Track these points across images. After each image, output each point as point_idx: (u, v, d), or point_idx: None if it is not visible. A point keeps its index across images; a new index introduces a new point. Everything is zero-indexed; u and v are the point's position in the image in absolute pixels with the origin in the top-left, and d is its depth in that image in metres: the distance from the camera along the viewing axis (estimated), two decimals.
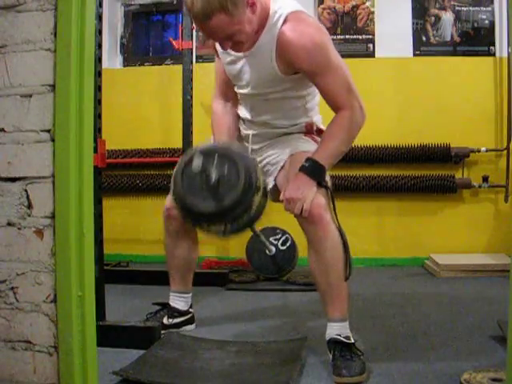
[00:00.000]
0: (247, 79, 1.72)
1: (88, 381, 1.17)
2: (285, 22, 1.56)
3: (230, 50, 1.64)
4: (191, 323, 2.05)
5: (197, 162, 1.49)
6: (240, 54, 1.67)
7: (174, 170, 1.59)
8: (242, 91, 1.79)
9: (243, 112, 1.86)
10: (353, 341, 1.60)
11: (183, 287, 2.02)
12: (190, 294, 2.05)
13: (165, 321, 1.98)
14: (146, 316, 2.07)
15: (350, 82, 1.61)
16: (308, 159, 1.58)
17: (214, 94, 1.90)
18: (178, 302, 2.01)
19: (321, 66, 1.57)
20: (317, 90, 1.72)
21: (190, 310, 2.05)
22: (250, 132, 1.85)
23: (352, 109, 1.59)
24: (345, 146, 1.63)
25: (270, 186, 1.75)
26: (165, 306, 2.04)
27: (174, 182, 1.57)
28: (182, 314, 2.01)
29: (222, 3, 1.43)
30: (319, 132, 1.84)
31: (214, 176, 1.48)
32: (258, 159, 1.82)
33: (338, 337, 1.60)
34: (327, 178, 1.64)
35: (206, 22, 1.46)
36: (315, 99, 1.83)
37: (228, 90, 1.86)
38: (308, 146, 1.76)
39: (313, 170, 1.56)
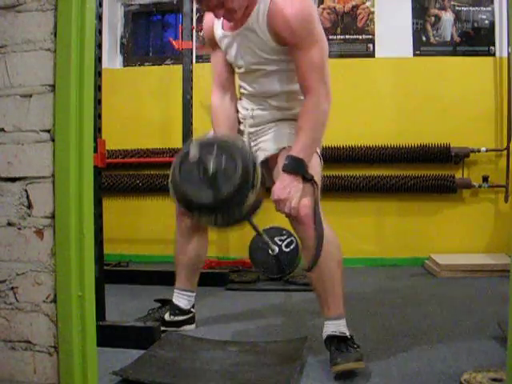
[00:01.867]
0: (245, 54, 1.75)
1: (88, 381, 1.17)
2: None
3: (226, 31, 1.73)
4: (191, 323, 2.05)
5: (194, 152, 1.49)
6: (236, 31, 1.71)
7: (173, 160, 1.60)
8: (242, 70, 1.81)
9: (244, 88, 1.87)
10: (348, 335, 1.63)
11: (188, 285, 2.02)
12: (194, 294, 2.05)
13: (166, 317, 1.99)
14: (148, 311, 2.07)
15: (324, 65, 1.63)
16: (287, 157, 1.62)
17: (212, 88, 1.92)
18: (182, 299, 2.02)
19: (302, 38, 1.59)
20: None
21: (192, 309, 2.05)
22: (249, 111, 1.85)
23: (317, 95, 1.62)
24: (317, 133, 1.66)
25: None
26: (166, 302, 2.05)
27: (172, 170, 1.58)
28: (183, 312, 2.02)
29: None
30: None
31: (211, 167, 1.48)
32: (252, 144, 1.85)
33: (333, 333, 1.63)
34: (315, 162, 1.69)
35: None
36: None
37: (225, 82, 1.89)
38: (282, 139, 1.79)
39: (293, 166, 1.60)
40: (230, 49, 1.79)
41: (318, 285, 1.67)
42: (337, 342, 1.61)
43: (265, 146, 1.81)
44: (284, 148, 1.74)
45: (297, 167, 1.60)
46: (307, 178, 1.61)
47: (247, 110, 1.86)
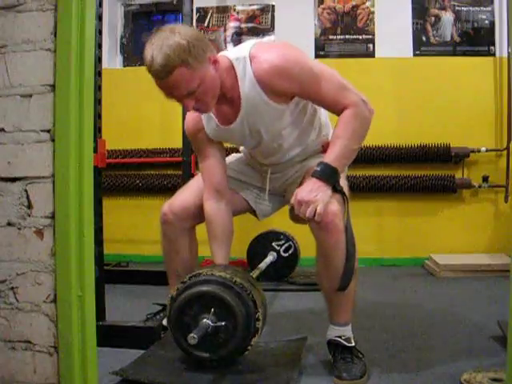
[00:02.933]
0: (256, 134, 1.64)
1: (88, 381, 1.18)
2: (251, 61, 1.50)
3: (224, 126, 1.61)
4: None
5: (193, 337, 1.44)
6: (239, 119, 1.59)
7: (169, 310, 1.57)
8: (256, 149, 1.73)
9: (256, 158, 1.81)
10: (353, 343, 1.59)
11: None
12: None
13: (164, 322, 1.95)
14: (146, 316, 2.06)
15: (343, 82, 1.53)
16: (319, 163, 1.50)
17: (204, 195, 1.73)
18: None
19: (305, 80, 1.49)
20: None
21: None
22: (268, 170, 1.80)
23: (354, 104, 1.51)
24: (355, 144, 1.53)
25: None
26: (165, 307, 2.03)
27: (168, 321, 1.57)
28: None
29: (182, 57, 1.36)
30: None
31: (210, 330, 1.47)
32: (277, 185, 1.82)
33: (339, 339, 1.58)
34: (343, 183, 1.58)
35: (167, 77, 1.39)
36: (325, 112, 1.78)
37: (219, 186, 1.72)
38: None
39: (324, 172, 1.47)
40: (234, 137, 1.68)
41: (331, 294, 1.59)
42: (341, 350, 1.57)
43: (292, 178, 1.77)
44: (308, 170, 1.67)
45: (328, 174, 1.47)
46: (337, 189, 1.50)
47: (262, 167, 1.81)
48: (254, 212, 1.91)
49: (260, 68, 1.47)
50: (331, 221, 1.47)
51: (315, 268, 1.63)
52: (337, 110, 1.53)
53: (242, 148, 1.91)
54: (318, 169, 1.48)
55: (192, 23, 3.02)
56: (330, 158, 1.49)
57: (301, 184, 1.60)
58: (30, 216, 1.18)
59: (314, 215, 1.44)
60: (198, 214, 1.76)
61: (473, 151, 3.41)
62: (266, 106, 1.53)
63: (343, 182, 1.59)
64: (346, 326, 1.61)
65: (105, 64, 3.30)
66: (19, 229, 1.19)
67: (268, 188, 1.84)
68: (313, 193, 1.45)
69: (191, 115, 1.70)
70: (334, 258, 1.52)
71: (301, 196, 1.46)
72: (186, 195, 1.80)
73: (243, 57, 1.50)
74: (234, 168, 1.87)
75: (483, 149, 3.39)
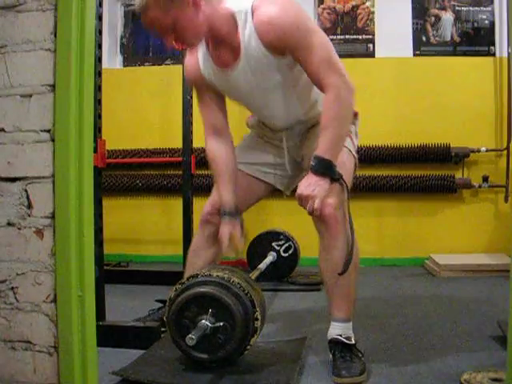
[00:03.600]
0: (253, 83, 1.66)
1: (88, 381, 1.17)
2: (253, 13, 1.55)
3: (222, 68, 1.64)
4: None
5: (191, 338, 1.45)
6: (236, 65, 1.62)
7: (168, 308, 1.57)
8: (251, 100, 1.75)
9: (264, 123, 1.84)
10: (353, 342, 1.61)
11: None
12: None
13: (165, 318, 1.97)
14: (148, 312, 2.07)
15: (331, 55, 1.55)
16: (314, 158, 1.54)
17: (206, 137, 1.81)
18: None
19: (298, 41, 1.51)
20: None
21: None
22: (282, 137, 1.82)
23: (336, 87, 1.53)
24: (342, 129, 1.58)
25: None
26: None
27: (167, 322, 1.57)
28: None
29: None
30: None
31: (208, 331, 1.48)
32: (295, 154, 1.82)
33: (339, 337, 1.61)
34: (348, 167, 1.67)
35: (144, 15, 1.52)
36: None
37: (219, 127, 1.79)
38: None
39: (319, 167, 1.52)
40: (231, 84, 1.69)
41: (333, 286, 1.63)
42: (341, 349, 1.60)
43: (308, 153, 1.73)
44: None
45: (324, 168, 1.52)
46: (335, 178, 1.55)
47: (276, 133, 1.82)
48: (278, 190, 1.95)
49: (259, 19, 1.53)
50: (328, 213, 1.55)
51: (318, 260, 1.66)
52: (318, 84, 1.57)
53: (251, 120, 1.91)
54: (313, 164, 1.53)
55: None
56: (321, 150, 1.53)
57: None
58: (30, 216, 1.18)
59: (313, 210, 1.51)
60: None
61: (473, 151, 3.41)
62: (263, 57, 1.57)
63: (347, 159, 1.67)
64: (347, 323, 1.64)
65: (105, 64, 3.30)
66: (19, 229, 1.19)
67: (287, 157, 1.83)
68: (310, 187, 1.51)
69: (189, 62, 1.76)
70: (333, 249, 1.59)
71: (300, 191, 1.53)
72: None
73: (245, 7, 1.56)
74: (248, 153, 1.88)
75: (483, 149, 3.40)
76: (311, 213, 1.54)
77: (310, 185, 1.52)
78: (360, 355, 1.59)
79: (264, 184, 1.89)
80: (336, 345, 1.61)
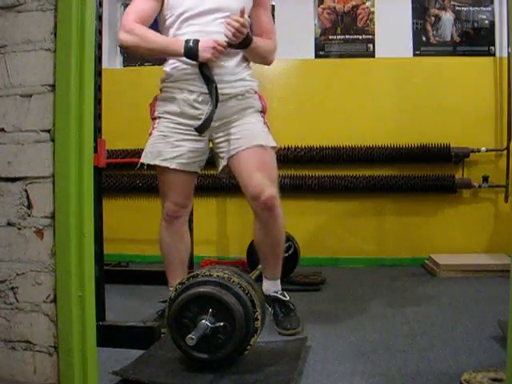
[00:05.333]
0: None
1: (88, 381, 1.18)
2: None
3: None
4: None
5: (191, 338, 1.45)
6: None
7: (168, 307, 1.58)
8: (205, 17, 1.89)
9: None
10: (288, 298, 2.05)
11: None
12: None
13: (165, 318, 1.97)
14: (157, 313, 2.08)
15: None
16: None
17: (131, 18, 1.88)
18: None
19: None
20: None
21: None
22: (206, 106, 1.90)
23: (275, 39, 2.03)
24: (269, 57, 2.03)
25: (222, 165, 1.97)
26: None
27: (168, 323, 1.57)
28: None
29: None
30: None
31: (208, 331, 1.48)
32: (218, 135, 1.95)
33: (276, 294, 2.03)
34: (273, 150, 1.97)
35: None
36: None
37: (146, 18, 1.90)
38: (265, 137, 1.95)
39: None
40: None
41: (270, 254, 2.02)
42: (280, 305, 2.02)
43: (238, 142, 1.92)
44: (261, 145, 1.90)
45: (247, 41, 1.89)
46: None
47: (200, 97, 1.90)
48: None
49: None
50: (271, 204, 1.89)
51: (254, 237, 2.04)
52: (265, 31, 2.01)
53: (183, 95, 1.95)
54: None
55: None
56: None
57: (241, 154, 1.90)
58: (30, 216, 1.18)
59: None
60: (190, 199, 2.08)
61: (473, 151, 3.40)
62: None
63: (270, 139, 1.97)
64: (277, 280, 2.08)
65: (105, 64, 3.30)
66: (19, 229, 1.19)
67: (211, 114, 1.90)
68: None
69: None
70: (272, 230, 1.96)
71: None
72: (176, 192, 2.03)
73: None
74: (168, 149, 1.97)
75: (483, 149, 3.39)
76: (256, 199, 1.88)
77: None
78: (293, 308, 2.04)
79: (193, 173, 2.03)
80: (275, 301, 2.03)
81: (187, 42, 1.82)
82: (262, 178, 1.88)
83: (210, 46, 1.80)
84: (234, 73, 1.93)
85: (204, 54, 1.80)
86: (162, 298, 2.18)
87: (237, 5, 1.84)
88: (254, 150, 1.90)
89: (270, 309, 2.03)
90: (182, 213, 2.04)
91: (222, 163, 1.97)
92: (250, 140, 1.90)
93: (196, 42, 1.81)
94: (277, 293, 2.05)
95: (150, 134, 2.00)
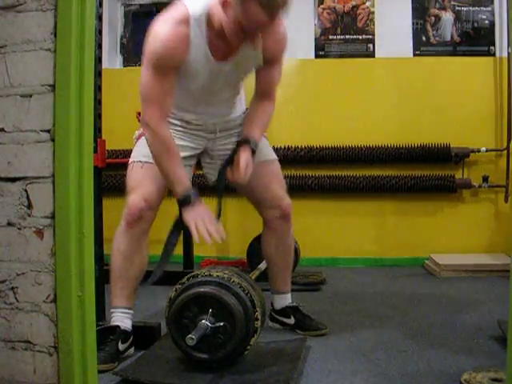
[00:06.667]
0: (232, 78, 1.79)
1: (88, 381, 1.17)
2: None
3: (219, 61, 1.69)
4: (132, 346, 1.78)
5: (191, 338, 1.45)
6: (233, 58, 1.71)
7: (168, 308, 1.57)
8: (208, 94, 1.79)
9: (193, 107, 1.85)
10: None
11: (131, 302, 1.79)
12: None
13: (120, 347, 1.69)
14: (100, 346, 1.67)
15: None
16: (252, 141, 1.77)
17: (156, 118, 1.68)
18: (127, 321, 1.76)
19: (282, 54, 1.79)
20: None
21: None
22: (210, 121, 1.87)
23: (274, 102, 1.87)
24: (266, 128, 1.91)
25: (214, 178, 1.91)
26: (114, 329, 1.71)
27: (167, 321, 1.57)
28: (129, 336, 1.76)
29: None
30: None
31: (208, 331, 1.48)
32: (217, 144, 1.90)
33: (293, 303, 2.04)
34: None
35: (275, 14, 1.55)
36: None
37: (167, 111, 1.74)
38: (267, 151, 1.96)
39: (255, 147, 1.79)
40: (214, 77, 1.72)
41: (283, 267, 2.03)
42: (301, 313, 2.02)
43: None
44: (270, 160, 1.94)
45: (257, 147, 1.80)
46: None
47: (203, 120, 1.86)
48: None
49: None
50: (289, 212, 1.94)
51: (263, 250, 2.03)
52: (266, 93, 1.85)
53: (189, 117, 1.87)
54: (253, 146, 1.77)
55: None
56: (257, 136, 1.81)
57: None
58: (30, 216, 1.18)
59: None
60: (159, 204, 1.80)
61: (473, 151, 3.41)
62: (255, 58, 1.75)
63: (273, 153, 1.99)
64: (289, 293, 2.08)
65: (105, 64, 3.29)
66: (19, 229, 1.19)
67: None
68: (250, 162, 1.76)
69: (174, 40, 1.61)
70: (287, 239, 1.99)
71: (244, 164, 1.72)
72: (149, 187, 1.75)
73: None
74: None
75: (483, 149, 3.39)
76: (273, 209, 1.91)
77: (250, 160, 1.74)
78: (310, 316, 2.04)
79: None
80: (295, 311, 2.02)
81: (188, 197, 1.65)
82: (278, 188, 1.93)
83: (201, 219, 1.63)
84: (231, 113, 1.91)
85: (189, 218, 1.63)
86: (159, 298, 2.16)
87: (240, 79, 1.83)
88: (264, 164, 1.91)
89: (291, 318, 2.03)
90: (147, 216, 1.73)
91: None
92: (259, 156, 1.84)
93: (195, 202, 1.66)
94: (292, 303, 2.05)
95: (139, 138, 1.88)
